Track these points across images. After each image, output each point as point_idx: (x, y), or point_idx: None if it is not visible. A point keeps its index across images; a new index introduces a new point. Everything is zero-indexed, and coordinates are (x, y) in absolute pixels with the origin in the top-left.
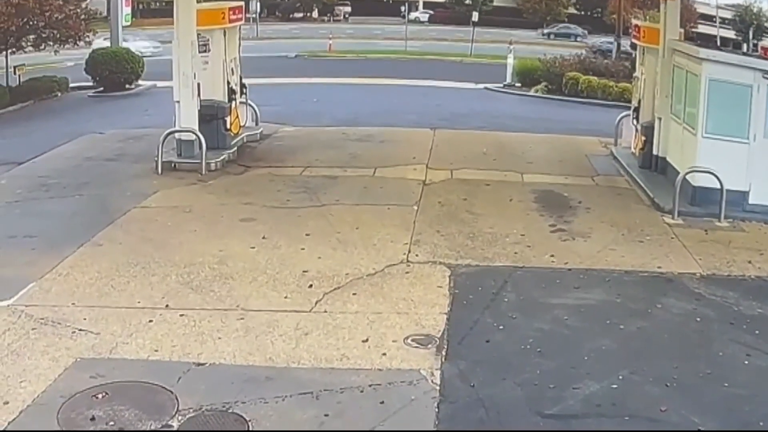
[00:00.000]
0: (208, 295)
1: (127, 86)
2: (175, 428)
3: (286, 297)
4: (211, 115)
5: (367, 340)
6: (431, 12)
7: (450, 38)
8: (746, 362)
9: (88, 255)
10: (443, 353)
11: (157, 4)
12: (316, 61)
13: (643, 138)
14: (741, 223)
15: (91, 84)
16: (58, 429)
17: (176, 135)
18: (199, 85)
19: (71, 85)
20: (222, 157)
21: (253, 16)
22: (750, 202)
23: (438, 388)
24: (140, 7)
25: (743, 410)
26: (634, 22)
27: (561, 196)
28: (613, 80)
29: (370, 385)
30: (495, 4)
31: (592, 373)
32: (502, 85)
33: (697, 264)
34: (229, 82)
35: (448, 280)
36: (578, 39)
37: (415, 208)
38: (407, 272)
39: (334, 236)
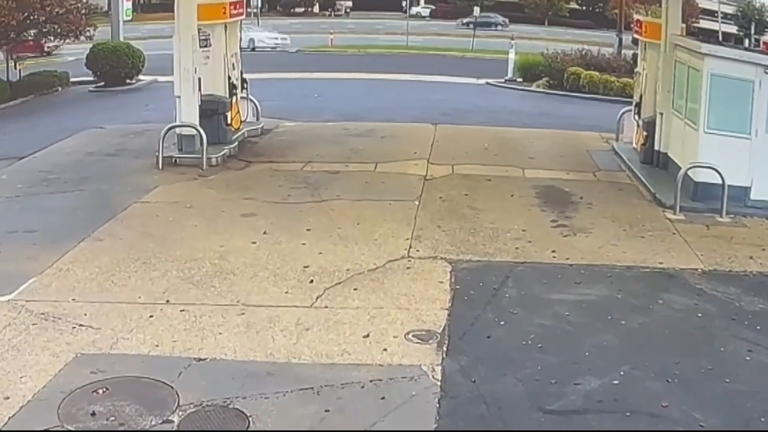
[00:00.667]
0: (209, 290)
1: (127, 81)
2: (175, 423)
3: (286, 292)
4: (212, 110)
5: (368, 336)
6: (433, 7)
7: (451, 33)
8: (748, 358)
9: (89, 250)
10: (444, 349)
11: None
12: (317, 56)
13: (645, 133)
14: (743, 219)
15: (91, 79)
16: (59, 424)
17: (177, 130)
18: (200, 79)
19: (72, 79)
20: (223, 153)
21: (254, 10)
22: (752, 197)
23: (439, 383)
24: (141, 1)
25: (745, 406)
26: (636, 17)
27: (562, 191)
28: (615, 75)
29: (371, 381)
30: None
31: (593, 369)
32: (503, 80)
33: (699, 260)
34: (230, 77)
35: (449, 276)
36: (499, 28)
37: (417, 203)
38: (408, 268)
39: (335, 231)
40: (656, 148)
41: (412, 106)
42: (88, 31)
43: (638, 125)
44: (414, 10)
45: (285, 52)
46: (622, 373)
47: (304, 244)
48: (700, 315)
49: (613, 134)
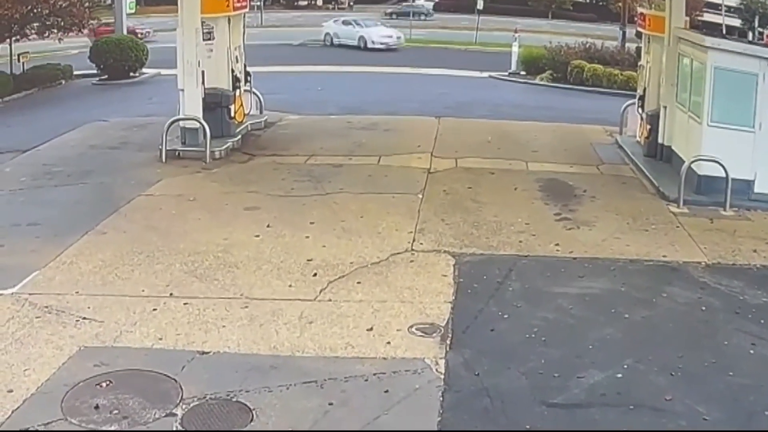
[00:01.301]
0: (213, 283)
1: (131, 74)
2: (179, 416)
3: (290, 285)
4: (216, 103)
5: (371, 329)
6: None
7: (455, 26)
8: (751, 351)
9: (92, 243)
10: (448, 342)
11: None
12: (320, 50)
13: (648, 126)
14: (746, 212)
15: (95, 72)
16: (62, 417)
17: (180, 123)
18: (203, 73)
19: (75, 72)
20: (226, 146)
21: (258, 3)
22: (755, 190)
23: (442, 377)
24: None
25: (748, 399)
26: (640, 10)
27: (566, 184)
28: (619, 69)
29: (374, 374)
30: None
31: (596, 362)
32: (507, 74)
33: (702, 253)
34: (233, 70)
35: (453, 269)
36: (423, 17)
37: (420, 196)
38: (412, 261)
39: (339, 225)
40: (660, 141)
41: (415, 99)
42: (92, 24)
43: (642, 118)
44: (417, 2)
45: (288, 45)
46: (625, 366)
47: (307, 237)
48: (703, 308)
49: (616, 127)
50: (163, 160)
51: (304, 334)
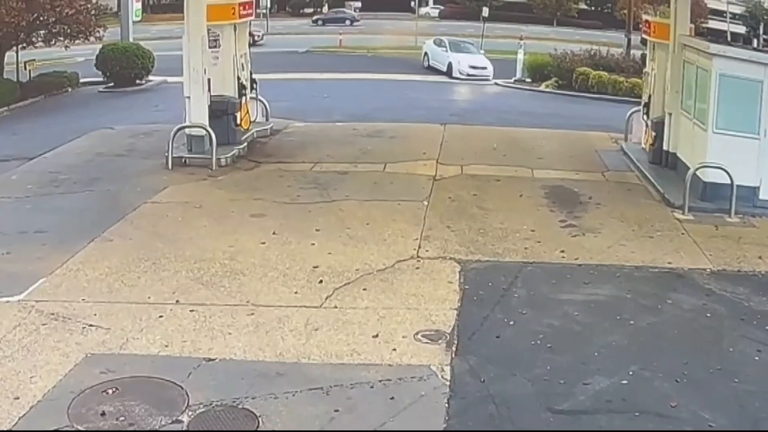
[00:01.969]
0: (219, 290)
1: (137, 81)
2: (185, 423)
3: (296, 292)
4: (222, 111)
5: (377, 336)
6: (441, 7)
7: (460, 33)
8: (757, 358)
9: (99, 250)
10: (453, 349)
11: None
12: (326, 57)
13: (654, 133)
14: (751, 219)
15: (101, 79)
16: (69, 424)
17: (186, 130)
18: (209, 80)
19: (82, 80)
20: (232, 153)
21: (264, 11)
22: (760, 197)
23: (448, 383)
24: (150, 2)
25: (754, 406)
26: (645, 17)
27: (571, 191)
28: (624, 76)
29: (380, 381)
30: None
31: (602, 369)
32: (512, 81)
33: (708, 260)
34: (239, 78)
35: (459, 276)
36: (347, 23)
37: (426, 203)
38: (417, 268)
39: (345, 232)
40: (665, 148)
41: (420, 107)
42: (98, 31)
43: (647, 125)
44: (423, 10)
45: (294, 53)
46: (631, 373)
47: (313, 244)
48: (708, 315)
49: (621, 134)
50: (170, 167)
51: (309, 340)
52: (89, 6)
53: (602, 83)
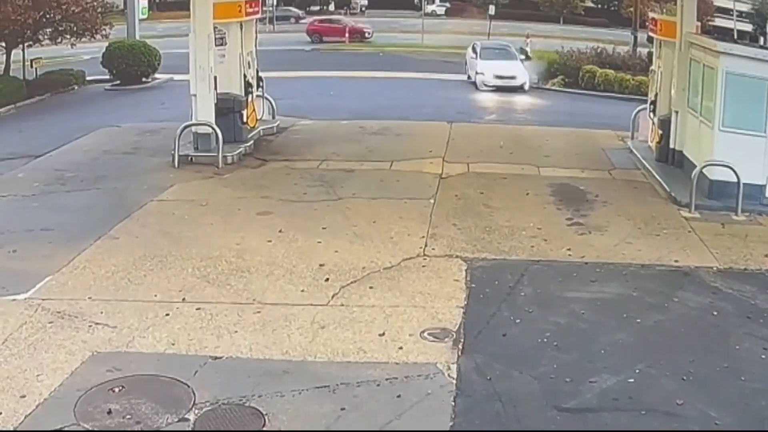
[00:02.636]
0: (225, 288)
1: (143, 79)
2: (191, 421)
3: (302, 290)
4: (228, 109)
5: (383, 334)
6: (448, 5)
7: (467, 31)
8: (763, 356)
9: (105, 248)
10: (460, 347)
11: None
12: (332, 54)
13: (660, 131)
14: (758, 217)
15: (107, 77)
16: (75, 422)
17: (193, 128)
18: (215, 78)
19: (88, 78)
20: (238, 151)
21: (270, 9)
22: (767, 195)
23: (454, 381)
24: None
25: (760, 404)
26: (651, 15)
27: (578, 189)
28: (630, 73)
29: (386, 379)
30: None
31: (608, 367)
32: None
33: (714, 258)
34: (245, 76)
35: (465, 274)
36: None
37: (432, 201)
38: (424, 266)
39: (351, 230)
40: (671, 146)
41: (427, 104)
42: (104, 29)
43: (653, 123)
44: (429, 8)
45: (301, 51)
46: (637, 371)
47: (319, 242)
48: (715, 313)
49: (628, 132)
50: (176, 165)
51: (316, 339)
52: (95, 4)
53: (609, 81)
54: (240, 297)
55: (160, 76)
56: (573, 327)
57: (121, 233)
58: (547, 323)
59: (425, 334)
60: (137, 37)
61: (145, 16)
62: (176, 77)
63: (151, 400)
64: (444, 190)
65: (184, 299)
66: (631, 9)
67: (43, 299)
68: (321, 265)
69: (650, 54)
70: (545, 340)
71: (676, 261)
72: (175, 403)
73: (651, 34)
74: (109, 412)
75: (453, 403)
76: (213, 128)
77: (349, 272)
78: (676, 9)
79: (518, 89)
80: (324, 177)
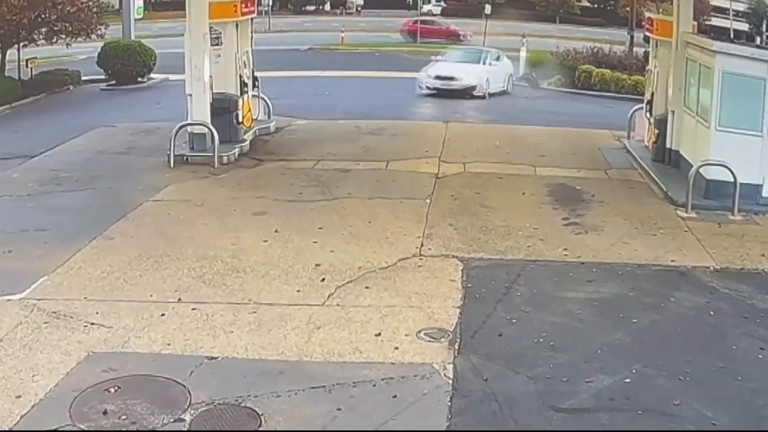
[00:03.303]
0: (221, 288)
1: (139, 79)
2: (187, 422)
3: (298, 290)
4: (224, 108)
5: (379, 334)
6: (444, 4)
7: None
8: (760, 356)
9: (100, 249)
10: (456, 347)
11: None
12: (328, 54)
13: (656, 131)
14: (754, 217)
15: (103, 77)
16: (71, 423)
17: (188, 128)
18: (211, 78)
19: (83, 78)
20: (234, 151)
21: (266, 8)
22: (764, 195)
23: (451, 381)
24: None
25: (757, 404)
26: (647, 14)
27: (574, 189)
28: (626, 73)
29: (382, 379)
30: None
31: (605, 367)
32: (516, 78)
33: (711, 257)
34: (241, 75)
35: (461, 274)
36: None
37: (428, 201)
38: (420, 266)
39: (347, 230)
40: (668, 145)
41: (423, 104)
42: (100, 29)
43: (650, 123)
44: (425, 7)
45: (296, 50)
46: (633, 371)
47: (315, 242)
48: (712, 313)
49: (624, 132)
50: (171, 165)
51: (312, 339)
52: (91, 4)
53: (605, 81)
54: (236, 297)
55: (155, 76)
56: (569, 327)
57: (116, 233)
58: (544, 323)
59: (421, 334)
60: (133, 37)
61: (141, 16)
62: (172, 77)
63: (147, 400)
64: (440, 190)
65: (179, 299)
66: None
67: (39, 299)
68: (317, 265)
69: (646, 53)
70: (541, 340)
71: (672, 261)
72: (171, 403)
73: (647, 33)
74: (105, 413)
75: (449, 404)
76: (209, 128)
77: (345, 272)
78: (673, 8)
79: (465, 94)
80: (320, 177)
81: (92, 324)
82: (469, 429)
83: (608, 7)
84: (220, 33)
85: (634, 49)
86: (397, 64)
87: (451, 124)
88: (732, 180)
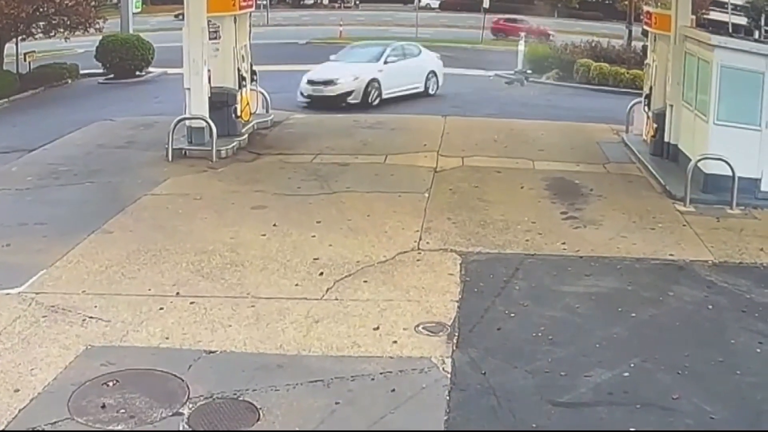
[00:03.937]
0: (219, 282)
1: (137, 73)
2: (185, 415)
3: (297, 284)
4: (222, 102)
5: (378, 328)
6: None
7: (461, 25)
8: (758, 350)
9: (99, 242)
10: (454, 341)
11: None
12: (326, 48)
13: (655, 125)
14: (753, 211)
15: (101, 71)
16: (69, 417)
17: (187, 122)
18: (209, 72)
19: (81, 71)
20: (232, 145)
21: (264, 2)
22: (762, 189)
23: (449, 375)
24: None
25: (755, 398)
26: (646, 8)
27: (572, 183)
28: (625, 67)
29: (381, 373)
30: None
31: (603, 361)
32: (513, 72)
33: (709, 252)
34: (239, 69)
35: (459, 268)
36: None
37: (426, 195)
38: (418, 260)
39: (345, 224)
40: (666, 139)
41: (421, 98)
42: (98, 23)
43: (648, 117)
44: (423, 1)
45: (294, 44)
46: (632, 365)
47: (314, 236)
48: (710, 307)
49: (623, 126)
50: (170, 159)
51: (310, 333)
52: None
53: (603, 75)
54: (234, 291)
55: (153, 69)
56: (568, 321)
57: (115, 227)
58: (542, 317)
59: (420, 328)
60: (131, 31)
61: (139, 10)
62: (170, 71)
63: (146, 394)
64: (438, 184)
65: (178, 293)
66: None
67: (37, 293)
68: (315, 259)
69: (645, 47)
70: (540, 334)
71: (671, 255)
72: (170, 397)
73: (646, 27)
74: (103, 407)
75: (447, 397)
76: (207, 122)
77: (344, 266)
78: (671, 2)
79: (341, 101)
80: (318, 171)
81: (90, 318)
82: (467, 422)
83: (607, 1)
84: (219, 27)
85: (633, 43)
86: None
87: (449, 117)
88: (730, 174)
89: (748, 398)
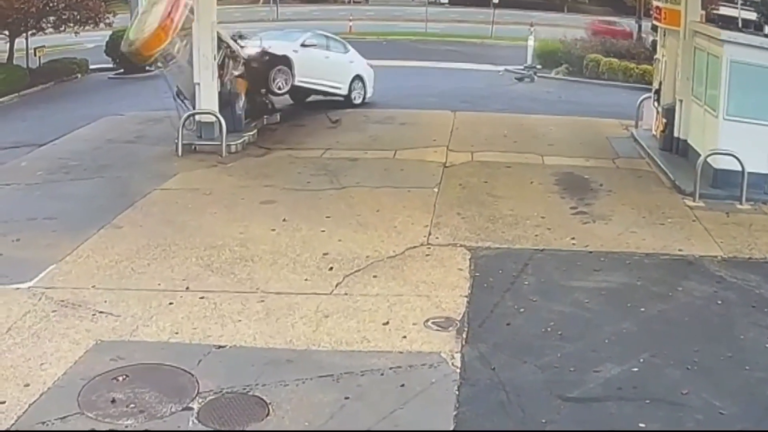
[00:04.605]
0: (229, 277)
1: (146, 68)
2: (195, 410)
3: (306, 279)
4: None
5: (387, 323)
6: None
7: (471, 20)
8: (767, 345)
9: (109, 237)
10: (464, 336)
11: None
12: None
13: (664, 120)
14: (762, 206)
15: (111, 66)
16: (79, 411)
17: (196, 117)
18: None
19: (91, 66)
20: (242, 140)
21: None
22: None
23: (458, 371)
24: None
25: (765, 393)
26: (655, 3)
27: (582, 178)
28: (634, 62)
29: (390, 368)
30: None
31: (612, 357)
32: (522, 67)
33: (719, 247)
34: None
35: (469, 263)
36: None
37: (436, 190)
38: (428, 255)
39: (355, 219)
40: (676, 135)
41: (431, 93)
42: (108, 17)
43: (658, 112)
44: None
45: None
46: (641, 360)
47: (323, 231)
48: (719, 302)
49: (632, 121)
50: (179, 154)
51: (320, 328)
52: None
53: (613, 70)
54: (244, 286)
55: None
56: (577, 316)
57: (124, 222)
58: (551, 312)
59: (429, 323)
60: None
61: None
62: None
63: (155, 389)
64: (448, 179)
65: (187, 288)
66: None
67: (47, 288)
68: (325, 254)
69: (654, 43)
70: (549, 329)
71: (680, 250)
72: (179, 392)
73: (655, 22)
74: (113, 401)
75: (457, 393)
76: (216, 117)
77: (353, 261)
78: None
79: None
80: (328, 166)
81: (100, 312)
82: (477, 417)
83: None
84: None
85: (642, 37)
86: (404, 53)
87: (459, 113)
88: (740, 169)
89: (757, 393)
